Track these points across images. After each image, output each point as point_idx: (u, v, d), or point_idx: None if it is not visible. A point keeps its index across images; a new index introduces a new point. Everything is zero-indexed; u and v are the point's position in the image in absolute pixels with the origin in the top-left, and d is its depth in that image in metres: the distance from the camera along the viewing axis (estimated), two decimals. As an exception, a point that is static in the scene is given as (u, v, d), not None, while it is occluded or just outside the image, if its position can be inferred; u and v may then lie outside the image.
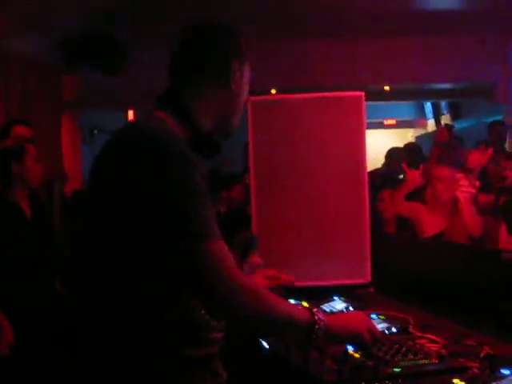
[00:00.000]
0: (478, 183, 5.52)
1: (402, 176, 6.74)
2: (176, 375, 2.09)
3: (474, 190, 5.51)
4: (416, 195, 5.95)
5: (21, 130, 5.43)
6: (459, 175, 5.60)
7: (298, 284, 3.66)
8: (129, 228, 2.03)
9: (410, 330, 3.02)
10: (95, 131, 12.09)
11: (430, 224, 5.49)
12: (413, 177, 6.42)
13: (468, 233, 5.26)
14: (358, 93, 4.00)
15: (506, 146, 7.94)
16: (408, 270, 4.08)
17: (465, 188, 5.55)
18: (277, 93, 8.64)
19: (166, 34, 7.75)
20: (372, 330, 2.39)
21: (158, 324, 2.07)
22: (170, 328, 2.08)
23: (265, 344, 3.03)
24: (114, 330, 2.11)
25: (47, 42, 7.69)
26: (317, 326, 2.17)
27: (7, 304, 4.29)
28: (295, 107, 4.01)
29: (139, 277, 2.06)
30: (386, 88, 10.00)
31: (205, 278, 1.99)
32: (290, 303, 2.22)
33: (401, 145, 8.11)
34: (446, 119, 13.09)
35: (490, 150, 5.57)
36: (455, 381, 2.27)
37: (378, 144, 9.06)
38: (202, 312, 2.12)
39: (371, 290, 4.00)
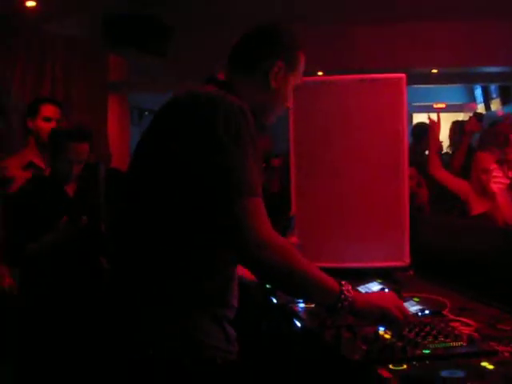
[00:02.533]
0: (511, 173, 5.43)
1: None
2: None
3: (507, 181, 5.44)
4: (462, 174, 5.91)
5: (48, 110, 5.27)
6: (493, 165, 5.54)
7: (336, 265, 3.72)
8: (175, 175, 2.17)
9: (444, 312, 3.01)
10: (146, 112, 12.24)
11: (479, 205, 5.45)
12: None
13: (506, 221, 5.20)
14: (399, 75, 3.98)
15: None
16: (448, 252, 4.05)
17: (498, 179, 5.49)
18: (324, 75, 8.61)
19: (214, 20, 7.83)
20: (400, 308, 2.40)
21: (194, 288, 2.20)
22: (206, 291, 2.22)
23: (297, 322, 3.05)
24: (151, 283, 2.22)
25: (93, 22, 7.75)
26: (343, 296, 2.21)
27: (54, 282, 4.37)
28: (337, 88, 4.01)
29: (178, 230, 2.18)
30: (434, 71, 9.90)
31: (239, 226, 2.08)
32: (317, 267, 2.24)
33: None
34: (496, 103, 12.96)
35: None
36: (483, 364, 2.25)
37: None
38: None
39: (410, 272, 3.99)
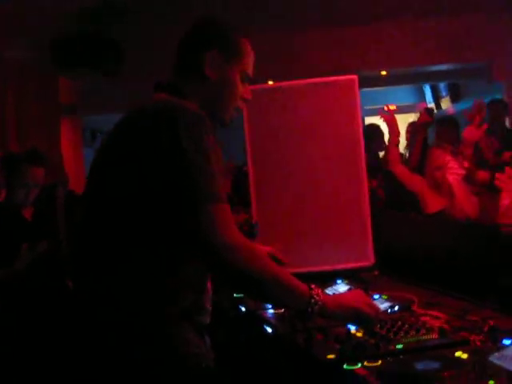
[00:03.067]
0: (466, 164, 5.49)
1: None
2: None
3: (462, 171, 5.50)
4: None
5: None
6: (448, 157, 5.59)
7: (301, 270, 3.71)
8: (137, 188, 2.15)
9: (413, 308, 3.03)
10: (99, 134, 12.19)
11: (433, 201, 5.50)
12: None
13: (465, 213, 5.26)
14: (350, 76, 4.00)
15: (507, 123, 7.92)
16: (411, 249, 4.08)
17: (454, 170, 5.55)
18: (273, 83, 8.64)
19: (163, 35, 7.80)
20: (371, 305, 2.41)
21: (157, 291, 2.18)
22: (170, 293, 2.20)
23: (268, 328, 3.04)
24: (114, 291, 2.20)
25: (41, 44, 7.69)
26: (313, 300, 2.20)
27: (20, 307, 4.32)
28: (289, 95, 4.02)
29: (144, 241, 2.17)
30: (383, 73, 9.99)
31: (205, 232, 2.07)
32: (286, 271, 2.24)
33: (403, 129, 8.10)
34: (446, 102, 13.09)
35: (485, 126, 5.53)
36: (457, 353, 2.26)
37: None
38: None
39: (375, 272, 4.00)
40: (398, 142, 5.90)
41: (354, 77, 3.99)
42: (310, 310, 2.21)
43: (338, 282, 3.61)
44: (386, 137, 6.69)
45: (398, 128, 5.76)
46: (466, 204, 5.36)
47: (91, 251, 2.29)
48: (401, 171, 5.78)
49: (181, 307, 2.21)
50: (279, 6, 8.07)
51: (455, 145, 5.92)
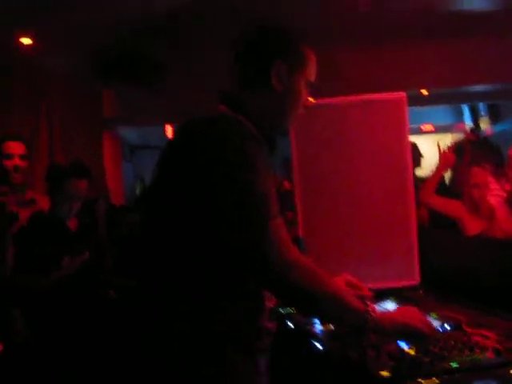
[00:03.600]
0: (508, 186, 5.47)
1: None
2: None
3: (504, 194, 5.47)
4: (450, 192, 5.92)
5: (10, 147, 5.14)
6: (490, 179, 5.56)
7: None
8: (189, 214, 2.14)
9: (464, 327, 3.01)
10: (135, 149, 12.29)
11: (472, 224, 5.46)
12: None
13: (505, 233, 5.22)
14: (399, 94, 4.00)
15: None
16: (456, 269, 4.05)
17: (496, 191, 5.52)
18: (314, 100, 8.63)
19: (202, 49, 7.83)
20: (426, 322, 2.40)
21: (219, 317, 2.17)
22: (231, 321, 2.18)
23: (317, 344, 3.03)
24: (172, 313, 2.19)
25: (85, 58, 7.77)
26: (369, 317, 2.19)
27: (59, 315, 4.35)
28: (337, 111, 4.01)
29: (202, 263, 2.16)
30: (425, 92, 9.94)
31: (264, 253, 2.06)
32: (345, 290, 2.24)
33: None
34: (485, 122, 13.00)
35: None
36: (514, 373, 2.25)
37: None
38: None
39: (420, 291, 3.98)
40: (442, 178, 5.89)
41: (403, 94, 3.99)
42: (365, 326, 2.20)
43: (386, 300, 3.59)
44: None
45: (447, 169, 5.76)
46: (507, 224, 5.33)
47: (149, 268, 2.31)
48: (436, 202, 5.76)
49: (235, 328, 2.20)
50: (321, 22, 8.07)
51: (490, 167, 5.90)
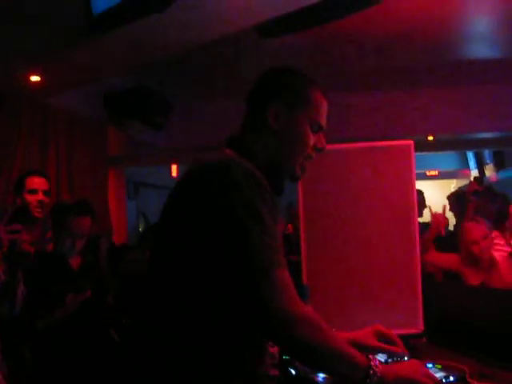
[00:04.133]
0: None
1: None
2: None
3: (509, 249, 5.47)
4: (447, 244, 5.91)
5: (33, 183, 5.17)
6: (495, 233, 5.55)
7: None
8: (193, 257, 2.12)
9: (468, 379, 2.97)
10: (139, 186, 12.29)
11: (472, 276, 5.44)
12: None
13: (505, 284, 5.20)
14: (407, 141, 4.00)
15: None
16: (458, 318, 4.02)
17: (500, 247, 5.51)
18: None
19: (210, 88, 7.90)
20: (429, 377, 2.37)
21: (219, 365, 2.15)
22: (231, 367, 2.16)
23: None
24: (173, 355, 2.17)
25: (92, 96, 7.83)
26: (371, 372, 2.16)
27: (60, 355, 4.33)
28: (343, 157, 4.01)
29: (204, 310, 2.14)
30: (430, 138, 9.97)
31: (267, 304, 2.03)
32: (347, 344, 2.21)
33: (443, 195, 8.11)
34: (489, 169, 13.03)
35: None
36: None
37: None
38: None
39: (423, 339, 3.95)
40: (434, 238, 5.90)
41: (410, 142, 3.99)
42: (368, 381, 2.17)
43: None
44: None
45: (441, 229, 5.78)
46: (508, 276, 5.31)
47: (152, 308, 2.29)
48: (433, 259, 5.76)
49: (237, 373, 2.18)
50: (325, 69, 8.11)
51: (492, 218, 5.90)
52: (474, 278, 5.39)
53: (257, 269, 2.04)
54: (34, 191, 5.09)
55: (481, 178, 7.30)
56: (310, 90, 2.45)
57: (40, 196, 5.07)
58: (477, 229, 5.42)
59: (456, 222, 7.58)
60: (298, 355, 2.24)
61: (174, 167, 11.24)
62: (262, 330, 2.12)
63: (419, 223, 6.79)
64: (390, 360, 3.23)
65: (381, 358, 3.36)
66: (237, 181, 2.11)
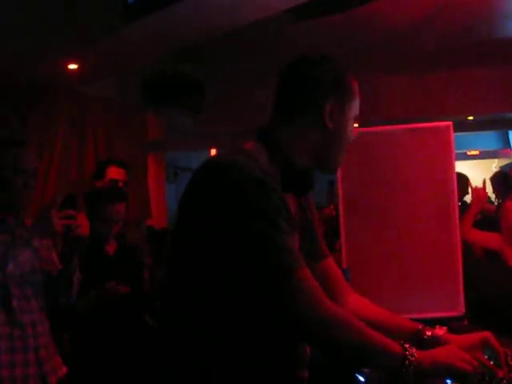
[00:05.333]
0: None
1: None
2: None
3: None
4: (487, 224, 5.85)
5: (114, 173, 5.29)
6: None
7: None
8: (209, 264, 2.05)
9: (510, 362, 2.94)
10: (178, 170, 12.34)
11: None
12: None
13: None
14: (446, 123, 3.97)
15: None
16: (501, 299, 4.00)
17: None
18: (359, 126, 8.62)
19: (244, 72, 7.88)
20: (467, 361, 2.34)
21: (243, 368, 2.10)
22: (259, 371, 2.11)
23: (361, 377, 2.99)
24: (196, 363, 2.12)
25: (130, 83, 7.87)
26: (407, 362, 2.13)
27: (98, 341, 4.38)
28: (384, 139, 4.00)
29: (227, 318, 2.07)
30: (470, 118, 9.88)
31: (295, 307, 1.98)
32: (380, 334, 2.18)
33: (484, 175, 8.02)
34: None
35: None
36: None
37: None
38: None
39: (465, 322, 3.92)
40: (477, 215, 5.80)
41: (450, 123, 3.96)
42: (404, 370, 2.15)
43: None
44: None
45: (483, 204, 5.67)
46: None
47: (175, 298, 2.23)
48: (474, 237, 5.68)
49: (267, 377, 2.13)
50: (362, 50, 8.05)
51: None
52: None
53: (275, 274, 1.96)
54: (115, 181, 5.25)
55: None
56: (353, 84, 2.32)
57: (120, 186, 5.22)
58: None
59: (498, 203, 7.50)
60: (331, 354, 2.22)
61: (212, 151, 11.25)
62: (290, 331, 2.08)
63: (466, 204, 6.79)
64: None
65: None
66: (246, 184, 2.01)
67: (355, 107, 2.32)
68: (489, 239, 5.61)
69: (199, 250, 2.06)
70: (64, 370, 3.62)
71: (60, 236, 3.51)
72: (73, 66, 6.39)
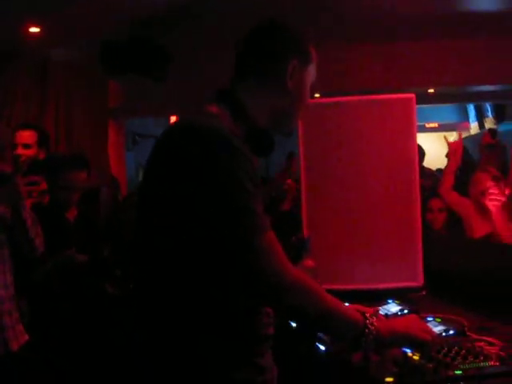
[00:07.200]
0: (508, 191, 5.46)
1: None
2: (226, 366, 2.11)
3: (503, 198, 5.47)
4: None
5: (24, 137, 5.10)
6: (490, 183, 5.54)
7: (349, 287, 3.70)
8: (177, 225, 2.05)
9: (467, 332, 2.99)
10: (136, 137, 12.26)
11: (479, 226, 5.46)
12: None
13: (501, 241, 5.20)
14: (409, 95, 3.97)
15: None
16: (459, 271, 4.04)
17: (494, 196, 5.51)
18: (320, 97, 8.62)
19: (206, 38, 7.84)
20: (426, 331, 2.38)
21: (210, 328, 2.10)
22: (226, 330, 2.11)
23: (321, 346, 3.02)
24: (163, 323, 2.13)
25: (92, 48, 7.76)
26: (367, 330, 2.16)
27: (56, 307, 4.36)
28: (345, 110, 3.98)
29: (192, 278, 2.08)
30: (431, 91, 9.92)
31: (255, 269, 1.99)
32: (341, 302, 2.20)
33: (443, 148, 8.07)
34: (489, 122, 12.99)
35: None
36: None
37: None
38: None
39: (423, 293, 3.96)
40: (457, 170, 5.82)
41: (412, 95, 3.96)
42: (363, 339, 2.18)
43: (389, 301, 3.57)
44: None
45: (460, 158, 5.67)
46: (503, 230, 5.32)
47: (143, 270, 2.24)
48: (451, 198, 5.75)
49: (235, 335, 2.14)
50: (328, 20, 8.03)
51: (499, 170, 5.88)
52: (480, 228, 5.41)
53: (242, 234, 1.98)
54: (27, 146, 5.07)
55: (494, 130, 7.22)
56: (311, 48, 2.41)
57: (33, 151, 5.06)
58: (485, 180, 5.46)
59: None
60: (292, 319, 2.25)
61: (172, 118, 11.18)
62: (253, 294, 2.08)
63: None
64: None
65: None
66: (214, 145, 2.03)
67: (313, 72, 2.41)
68: (462, 204, 5.69)
69: (170, 212, 2.06)
70: (26, 337, 3.61)
71: (23, 202, 3.50)
72: (34, 30, 6.31)
